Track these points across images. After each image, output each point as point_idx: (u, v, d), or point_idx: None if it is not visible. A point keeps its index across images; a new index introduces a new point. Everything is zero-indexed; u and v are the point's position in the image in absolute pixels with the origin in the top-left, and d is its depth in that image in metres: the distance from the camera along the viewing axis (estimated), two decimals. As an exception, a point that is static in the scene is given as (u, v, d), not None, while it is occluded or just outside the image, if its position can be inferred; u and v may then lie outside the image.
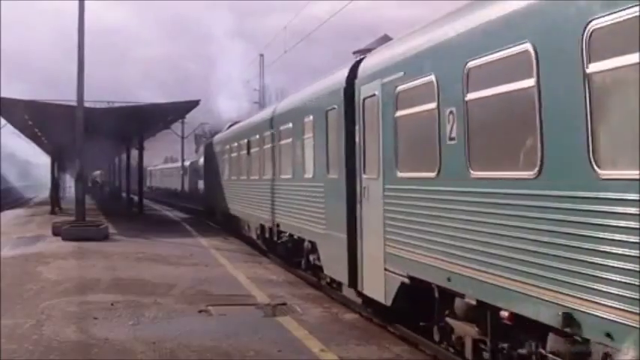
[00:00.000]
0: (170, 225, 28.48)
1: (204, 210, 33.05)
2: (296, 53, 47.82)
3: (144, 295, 11.43)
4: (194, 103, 29.28)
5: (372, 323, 9.96)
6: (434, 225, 7.51)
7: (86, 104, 24.09)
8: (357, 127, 10.25)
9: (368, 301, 10.20)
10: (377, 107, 9.34)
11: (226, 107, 51.54)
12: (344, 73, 10.94)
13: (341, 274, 11.03)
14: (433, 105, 7.56)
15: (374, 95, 9.47)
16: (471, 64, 6.72)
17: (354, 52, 13.91)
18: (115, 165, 57.40)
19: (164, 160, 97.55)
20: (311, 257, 13.57)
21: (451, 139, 7.15)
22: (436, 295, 7.78)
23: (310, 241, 13.24)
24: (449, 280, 7.19)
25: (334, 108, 11.19)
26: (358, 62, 10.67)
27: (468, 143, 6.81)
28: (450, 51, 7.26)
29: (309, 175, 13.01)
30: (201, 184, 54.27)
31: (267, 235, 17.66)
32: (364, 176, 9.96)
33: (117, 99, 37.58)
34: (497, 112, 6.44)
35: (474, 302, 6.80)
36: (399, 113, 8.59)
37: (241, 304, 10.97)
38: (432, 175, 7.55)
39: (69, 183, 63.28)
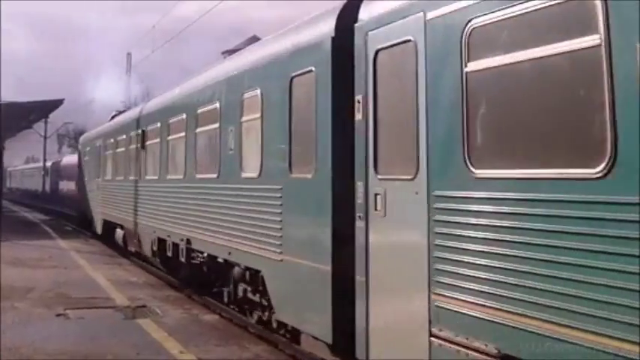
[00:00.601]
0: (29, 227, 27.95)
1: (78, 217, 27.83)
2: (165, 53, 45.76)
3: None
4: (58, 102, 28.65)
5: (232, 324, 9.94)
6: (608, 272, 3.84)
7: (-59, 101, 22.70)
8: (358, 98, 6.46)
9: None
10: (413, 61, 5.59)
11: (94, 106, 49.56)
12: (331, 17, 7.11)
13: (315, 326, 7.19)
14: (593, 39, 3.93)
15: (406, 42, 5.72)
16: None
17: (223, 53, 13.50)
18: (-26, 165, 53.69)
19: (25, 160, 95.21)
20: (241, 288, 9.71)
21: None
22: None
23: (249, 269, 9.29)
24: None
25: (309, 71, 7.33)
26: (354, -1, 6.88)
27: None
28: None
29: (251, 173, 9.02)
30: (62, 185, 50.21)
31: (169, 253, 13.37)
32: (377, 176, 6.15)
33: (-25, 96, 34.89)
34: None
35: None
36: (476, 65, 4.88)
37: (100, 306, 10.79)
38: (593, 172, 3.92)
39: None
